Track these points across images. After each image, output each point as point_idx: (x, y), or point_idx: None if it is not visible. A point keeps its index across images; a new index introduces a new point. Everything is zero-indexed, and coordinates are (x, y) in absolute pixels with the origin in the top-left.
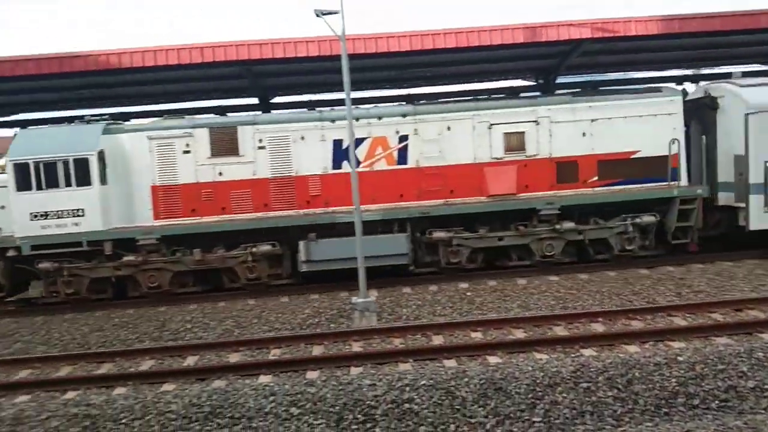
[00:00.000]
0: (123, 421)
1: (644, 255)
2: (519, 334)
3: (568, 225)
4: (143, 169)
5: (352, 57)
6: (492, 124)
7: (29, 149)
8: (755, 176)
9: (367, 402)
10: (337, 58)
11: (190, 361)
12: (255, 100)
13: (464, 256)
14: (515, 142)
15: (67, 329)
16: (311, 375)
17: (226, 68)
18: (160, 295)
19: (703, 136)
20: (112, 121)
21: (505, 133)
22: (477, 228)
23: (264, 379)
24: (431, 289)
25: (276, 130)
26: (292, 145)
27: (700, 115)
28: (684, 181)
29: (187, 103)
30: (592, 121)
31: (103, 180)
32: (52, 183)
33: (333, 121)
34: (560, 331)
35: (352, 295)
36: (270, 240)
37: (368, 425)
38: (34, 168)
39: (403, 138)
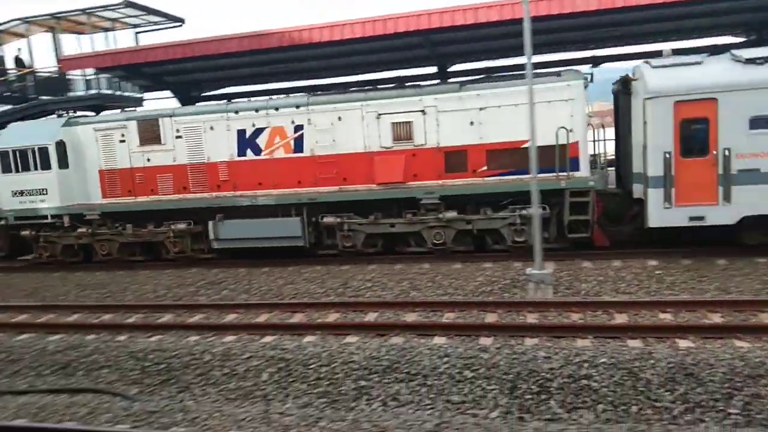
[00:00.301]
0: (312, 366)
1: (546, 248)
2: (716, 318)
3: (451, 214)
4: (93, 156)
5: (534, 19)
6: (380, 114)
7: (10, 140)
8: (654, 168)
9: (542, 374)
10: (518, 21)
11: (371, 317)
12: (434, 69)
13: (359, 241)
14: (403, 131)
15: (265, 281)
16: (484, 341)
17: (406, 38)
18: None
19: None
20: (73, 116)
21: (393, 123)
22: (371, 214)
23: (438, 340)
24: (615, 264)
25: (189, 121)
26: (203, 135)
27: (622, 100)
28: (585, 172)
29: (370, 74)
30: (480, 109)
31: (63, 165)
32: (25, 167)
33: (236, 112)
34: (767, 318)
35: (527, 266)
36: (189, 219)
37: (543, 396)
38: (12, 155)
39: (299, 128)
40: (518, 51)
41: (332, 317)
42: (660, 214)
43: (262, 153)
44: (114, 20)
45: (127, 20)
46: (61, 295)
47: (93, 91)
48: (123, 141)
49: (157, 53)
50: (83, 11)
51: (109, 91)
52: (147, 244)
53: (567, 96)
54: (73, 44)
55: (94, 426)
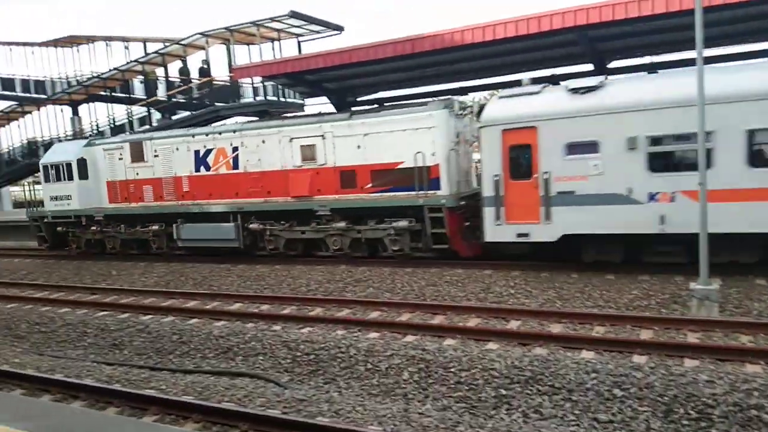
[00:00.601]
0: (452, 369)
1: (418, 256)
2: None
3: (339, 225)
4: (103, 170)
5: (706, 10)
6: (292, 138)
7: (50, 157)
8: (487, 189)
9: (703, 399)
10: (687, 13)
11: (513, 324)
12: (590, 66)
13: (281, 244)
14: (309, 153)
15: (408, 281)
16: (638, 359)
17: (560, 36)
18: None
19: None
20: (93, 138)
21: (302, 146)
22: (288, 222)
23: (586, 354)
24: None
25: (163, 143)
26: (172, 155)
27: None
28: (446, 190)
29: (521, 74)
30: (365, 135)
31: (83, 177)
32: (58, 178)
33: (193, 136)
34: None
35: (690, 281)
36: (164, 222)
37: (702, 424)
38: (51, 168)
39: (235, 149)
40: (684, 45)
41: (473, 322)
42: (493, 231)
43: (211, 169)
44: (280, 31)
45: (292, 30)
46: (226, 285)
47: (260, 98)
48: (121, 159)
49: (318, 61)
50: (253, 23)
51: (274, 98)
52: (140, 241)
53: (430, 124)
54: (244, 54)
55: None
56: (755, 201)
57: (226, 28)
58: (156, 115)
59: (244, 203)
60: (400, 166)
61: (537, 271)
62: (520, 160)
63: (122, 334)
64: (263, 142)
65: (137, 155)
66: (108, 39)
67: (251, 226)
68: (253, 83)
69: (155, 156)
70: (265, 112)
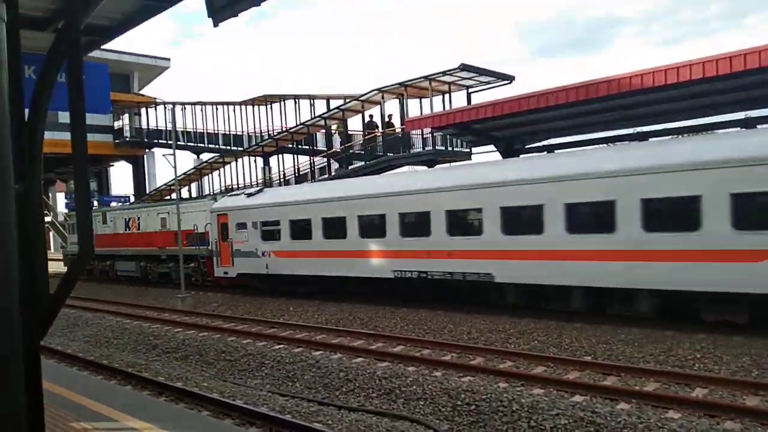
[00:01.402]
0: None
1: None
2: None
3: (169, 264)
4: (97, 227)
5: None
6: (158, 213)
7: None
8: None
9: None
10: None
11: (699, 392)
12: None
13: (155, 275)
14: (164, 222)
15: (576, 337)
16: None
17: (755, 76)
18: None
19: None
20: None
21: (161, 217)
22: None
23: None
24: None
25: (112, 215)
26: (115, 220)
27: None
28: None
29: (709, 117)
30: (183, 213)
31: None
32: (72, 229)
33: (123, 210)
34: None
35: None
36: (113, 260)
37: None
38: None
39: (138, 218)
40: None
41: (651, 386)
42: (217, 270)
43: (129, 229)
44: (450, 83)
45: (462, 82)
46: (390, 327)
47: (429, 148)
48: (99, 221)
49: (487, 110)
50: (425, 77)
51: (442, 147)
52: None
53: (206, 208)
54: (415, 107)
55: None
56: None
57: (400, 84)
58: (335, 165)
59: (138, 250)
60: (194, 231)
61: (728, 335)
62: (223, 230)
63: (295, 367)
64: (147, 215)
65: (104, 219)
66: (296, 97)
67: (141, 263)
68: (423, 134)
69: (111, 220)
70: (433, 161)
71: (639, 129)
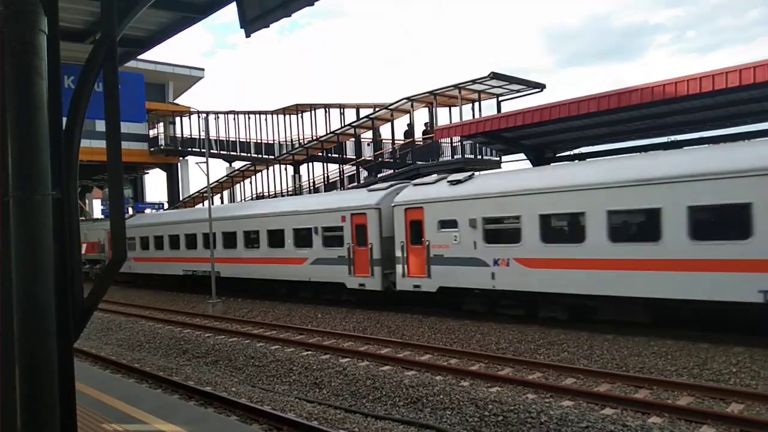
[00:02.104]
0: None
1: None
2: None
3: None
4: None
5: None
6: (89, 228)
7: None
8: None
9: None
10: None
11: (735, 408)
12: None
13: None
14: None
15: (608, 348)
16: None
17: None
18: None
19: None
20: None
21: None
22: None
23: None
24: None
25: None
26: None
27: None
28: None
29: (746, 126)
30: None
31: None
32: None
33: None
34: None
35: None
36: None
37: None
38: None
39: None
40: None
41: (685, 400)
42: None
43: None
44: (480, 92)
45: (492, 90)
46: (417, 335)
47: (458, 156)
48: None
49: (517, 119)
50: (455, 86)
51: (471, 156)
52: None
53: (107, 227)
54: (444, 115)
55: None
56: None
57: (430, 92)
58: (364, 173)
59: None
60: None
61: (766, 348)
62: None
63: (323, 374)
64: (88, 229)
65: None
66: (327, 106)
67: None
68: (452, 142)
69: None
70: (461, 169)
71: (673, 138)
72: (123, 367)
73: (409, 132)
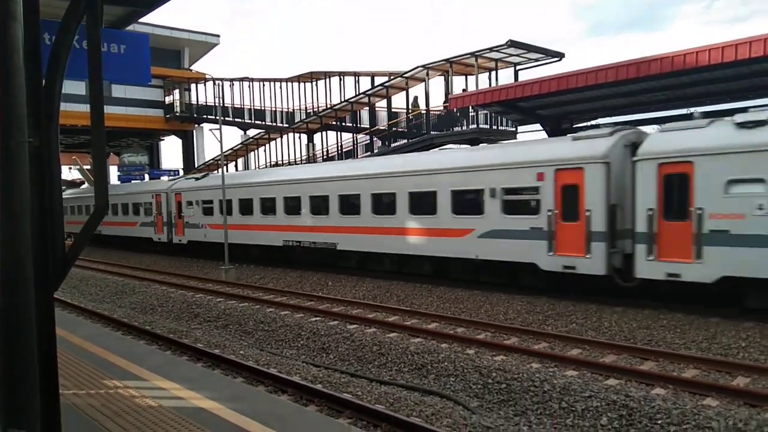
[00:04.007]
0: (658, 421)
1: None
2: None
3: None
4: None
5: None
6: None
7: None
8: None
9: None
10: None
11: (740, 381)
12: None
13: None
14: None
15: (616, 321)
16: None
17: None
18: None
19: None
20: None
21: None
22: None
23: None
24: None
25: None
26: None
27: None
28: None
29: (764, 98)
30: None
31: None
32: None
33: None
34: None
35: None
36: None
37: None
38: None
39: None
40: None
41: (690, 373)
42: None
43: None
44: (497, 60)
45: (509, 59)
46: (425, 305)
47: (473, 126)
48: None
49: (533, 87)
50: (472, 54)
51: (486, 126)
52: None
53: None
54: (460, 85)
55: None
56: None
57: (446, 60)
58: (378, 143)
59: None
60: None
61: None
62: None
63: (330, 339)
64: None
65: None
66: (342, 74)
67: None
68: (469, 112)
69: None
70: (476, 139)
71: (694, 109)
72: (134, 328)
73: (415, 101)
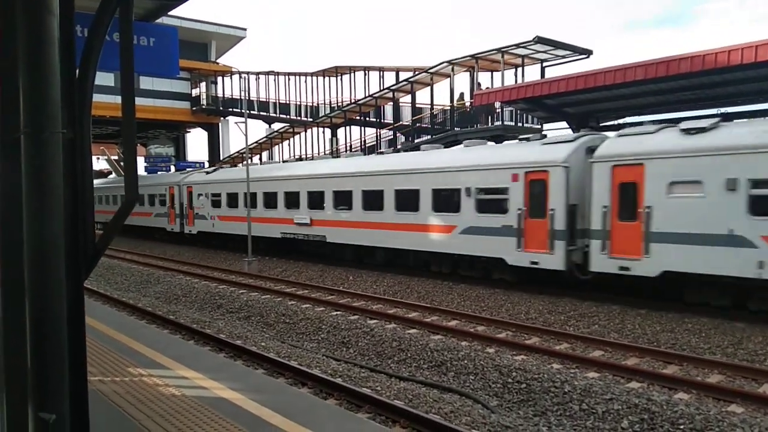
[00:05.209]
0: (681, 426)
1: None
2: None
3: None
4: None
5: None
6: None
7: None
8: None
9: None
10: None
11: (767, 389)
12: None
13: None
14: None
15: (640, 323)
16: None
17: None
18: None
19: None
20: None
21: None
22: None
23: None
24: None
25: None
26: None
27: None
28: None
29: None
30: None
31: None
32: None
33: None
34: None
35: None
36: None
37: None
38: None
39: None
40: None
41: (714, 378)
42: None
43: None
44: (524, 56)
45: (536, 56)
46: (446, 302)
47: (498, 123)
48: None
49: (560, 85)
50: (498, 50)
51: (511, 123)
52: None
53: None
54: (486, 81)
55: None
56: None
57: (471, 56)
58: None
59: None
60: None
61: None
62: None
63: (350, 334)
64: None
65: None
66: (367, 69)
67: None
68: (495, 109)
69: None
70: (501, 136)
71: (724, 110)
72: (158, 317)
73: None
